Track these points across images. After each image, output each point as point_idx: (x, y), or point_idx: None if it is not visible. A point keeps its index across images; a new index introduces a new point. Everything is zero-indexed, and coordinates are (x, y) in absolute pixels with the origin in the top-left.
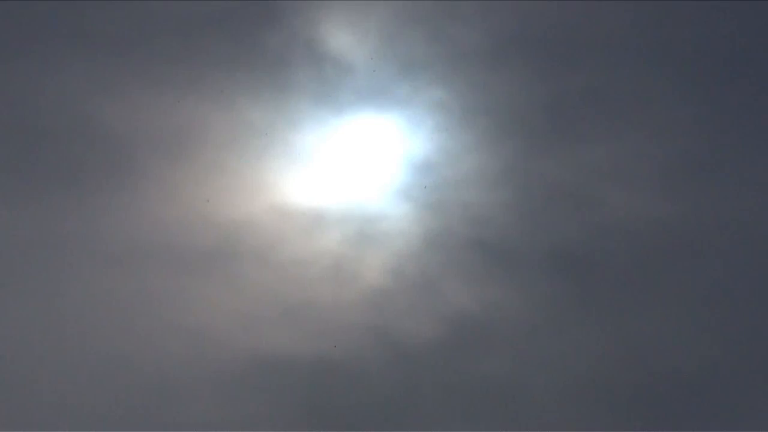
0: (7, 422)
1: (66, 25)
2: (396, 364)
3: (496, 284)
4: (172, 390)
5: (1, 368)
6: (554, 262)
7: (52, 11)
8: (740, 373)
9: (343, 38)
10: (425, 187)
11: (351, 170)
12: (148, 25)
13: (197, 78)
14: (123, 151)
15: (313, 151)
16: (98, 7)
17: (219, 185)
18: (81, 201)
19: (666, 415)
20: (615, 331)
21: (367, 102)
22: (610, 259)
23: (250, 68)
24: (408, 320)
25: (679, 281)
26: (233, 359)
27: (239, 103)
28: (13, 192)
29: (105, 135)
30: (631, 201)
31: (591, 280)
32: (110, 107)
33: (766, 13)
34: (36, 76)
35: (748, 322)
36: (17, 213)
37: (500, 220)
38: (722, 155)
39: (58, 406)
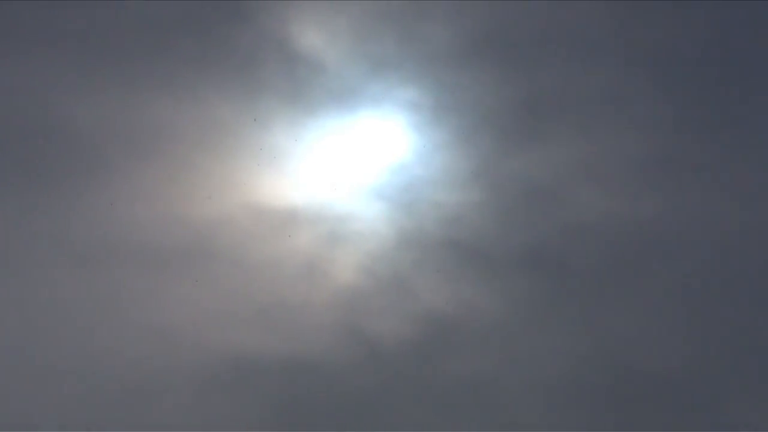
0: None
1: (36, 24)
2: (369, 364)
3: (470, 283)
4: (144, 390)
5: None
6: (528, 261)
7: (22, 11)
8: (715, 371)
9: (314, 38)
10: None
11: (323, 169)
12: (118, 25)
13: (169, 77)
14: (94, 149)
15: (285, 150)
16: (69, 7)
17: (191, 184)
18: (51, 200)
19: (641, 414)
20: (589, 330)
21: (338, 101)
22: (584, 258)
23: (221, 67)
24: (381, 320)
25: (653, 280)
26: (206, 359)
27: (211, 102)
28: None
29: (76, 134)
30: (604, 200)
31: (565, 279)
32: (81, 106)
33: (740, 13)
34: (6, 75)
35: (721, 321)
36: None
37: (473, 220)
38: (695, 154)
39: (27, 406)
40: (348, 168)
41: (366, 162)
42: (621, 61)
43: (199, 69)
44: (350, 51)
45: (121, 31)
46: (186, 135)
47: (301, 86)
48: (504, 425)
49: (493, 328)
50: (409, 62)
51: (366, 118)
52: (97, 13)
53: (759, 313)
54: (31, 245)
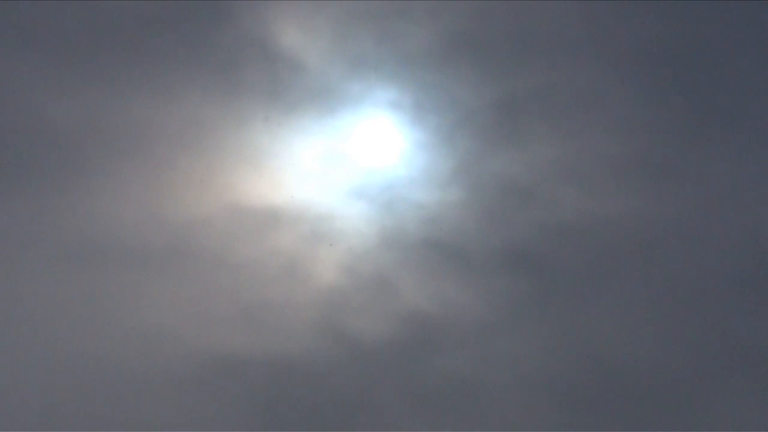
0: None
1: (17, 23)
2: (351, 363)
3: (451, 282)
4: (125, 389)
5: None
6: (508, 261)
7: (1, 11)
8: (694, 369)
9: (294, 37)
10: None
11: (304, 169)
12: (99, 24)
13: (149, 77)
14: (75, 149)
15: (266, 149)
16: (48, 6)
17: (172, 184)
18: (31, 199)
19: (622, 412)
20: (569, 329)
21: (318, 101)
22: (564, 257)
23: (202, 67)
24: (363, 319)
25: (632, 279)
26: (188, 358)
27: (192, 101)
28: None
29: (56, 134)
30: (583, 199)
31: (545, 277)
32: (61, 106)
33: (717, 14)
34: None
35: (700, 319)
36: None
37: (454, 219)
38: (675, 154)
39: (7, 406)
40: (329, 167)
41: (346, 161)
42: (599, 61)
43: (180, 69)
44: (330, 51)
45: (101, 30)
46: (167, 135)
47: (281, 86)
48: (486, 424)
49: (475, 326)
50: (389, 62)
51: (346, 118)
52: (78, 13)
53: (737, 312)
54: (11, 246)
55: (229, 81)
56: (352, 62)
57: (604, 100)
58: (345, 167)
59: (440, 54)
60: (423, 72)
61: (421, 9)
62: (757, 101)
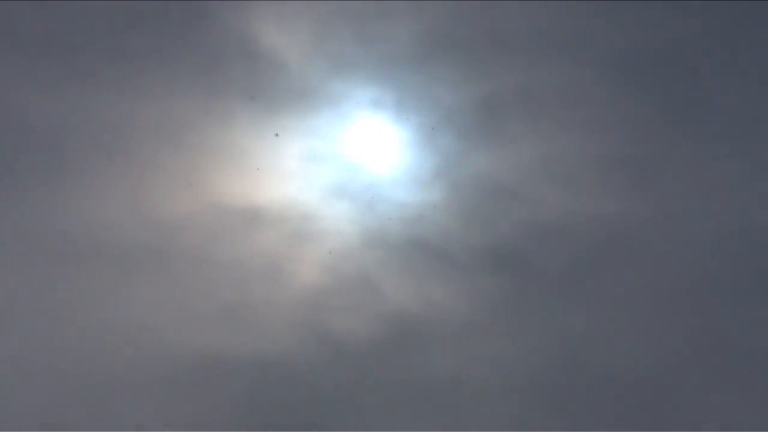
0: None
1: None
2: (334, 362)
3: (434, 282)
4: (106, 388)
5: None
6: (491, 260)
7: None
8: (677, 368)
9: (276, 37)
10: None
11: (286, 168)
12: (80, 22)
13: (131, 75)
14: (56, 148)
15: (248, 149)
16: (30, 7)
17: (153, 183)
18: (13, 198)
19: (604, 411)
20: (553, 328)
21: (300, 101)
22: (547, 257)
23: (183, 66)
24: (346, 318)
25: (615, 278)
26: (169, 357)
27: (173, 101)
28: None
29: (38, 132)
30: (565, 198)
31: (528, 277)
32: (43, 104)
33: (699, 15)
34: None
35: (683, 318)
36: None
37: (436, 218)
38: (656, 154)
39: None
40: (311, 167)
41: (328, 161)
42: (580, 61)
43: (162, 68)
44: (312, 51)
45: (83, 29)
46: (149, 134)
47: (263, 85)
48: (469, 423)
49: (458, 325)
50: (371, 62)
51: (328, 117)
52: (59, 11)
53: (720, 310)
54: None
55: (210, 80)
56: (333, 62)
57: (586, 100)
58: (327, 166)
59: (421, 54)
60: (404, 72)
61: (402, 9)
62: (739, 101)
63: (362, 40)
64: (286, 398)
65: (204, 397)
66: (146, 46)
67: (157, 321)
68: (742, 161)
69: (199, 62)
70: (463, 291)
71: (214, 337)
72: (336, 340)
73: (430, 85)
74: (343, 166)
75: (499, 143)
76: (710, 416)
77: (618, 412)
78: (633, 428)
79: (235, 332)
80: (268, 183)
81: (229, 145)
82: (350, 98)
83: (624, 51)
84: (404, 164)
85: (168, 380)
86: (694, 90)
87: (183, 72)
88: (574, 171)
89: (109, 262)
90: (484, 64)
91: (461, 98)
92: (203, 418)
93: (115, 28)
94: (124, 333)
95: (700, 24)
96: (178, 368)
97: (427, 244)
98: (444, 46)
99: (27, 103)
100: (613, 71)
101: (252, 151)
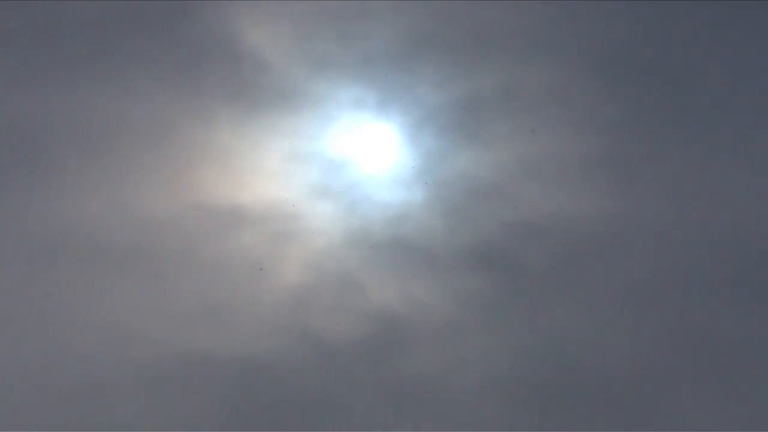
0: None
1: None
2: (319, 363)
3: (418, 282)
4: (89, 390)
5: None
6: (475, 260)
7: None
8: (664, 369)
9: (258, 36)
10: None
11: (269, 168)
12: (60, 21)
13: (112, 74)
14: (37, 147)
15: (231, 148)
16: (8, 6)
17: (135, 183)
18: None
19: (590, 412)
20: (538, 328)
21: (282, 100)
22: (532, 257)
23: (165, 65)
24: (331, 318)
25: (601, 278)
26: (154, 358)
27: (154, 100)
28: None
29: (18, 132)
30: (549, 199)
31: (513, 277)
32: (23, 103)
33: (684, 14)
34: None
35: (670, 319)
36: None
37: (419, 218)
38: (641, 154)
39: None
40: (294, 166)
41: (311, 160)
42: (564, 60)
43: (144, 67)
44: (293, 50)
45: (63, 28)
46: (130, 133)
47: (245, 84)
48: (454, 423)
49: (441, 325)
50: (352, 61)
51: (310, 116)
52: (40, 10)
53: (706, 311)
54: None
55: (193, 79)
56: (315, 61)
57: (570, 99)
58: (309, 166)
59: (403, 53)
60: (386, 71)
61: (383, 8)
62: (726, 100)
63: (344, 39)
64: (270, 398)
65: (188, 397)
66: (128, 46)
67: (139, 321)
68: (726, 161)
69: (181, 62)
70: (446, 290)
71: (197, 336)
72: (320, 340)
73: (413, 85)
74: (325, 165)
75: (482, 142)
76: (696, 416)
77: (604, 412)
78: (618, 428)
79: (219, 332)
80: (250, 182)
81: (212, 144)
82: (332, 97)
83: (606, 51)
84: (387, 164)
85: (151, 380)
86: (677, 90)
87: (165, 71)
88: (557, 170)
89: (91, 262)
90: (466, 63)
91: (444, 97)
92: (186, 419)
93: (96, 28)
94: (106, 333)
95: (683, 24)
96: (161, 368)
97: (411, 243)
98: (426, 45)
99: (7, 102)
100: (596, 71)
101: (234, 150)
